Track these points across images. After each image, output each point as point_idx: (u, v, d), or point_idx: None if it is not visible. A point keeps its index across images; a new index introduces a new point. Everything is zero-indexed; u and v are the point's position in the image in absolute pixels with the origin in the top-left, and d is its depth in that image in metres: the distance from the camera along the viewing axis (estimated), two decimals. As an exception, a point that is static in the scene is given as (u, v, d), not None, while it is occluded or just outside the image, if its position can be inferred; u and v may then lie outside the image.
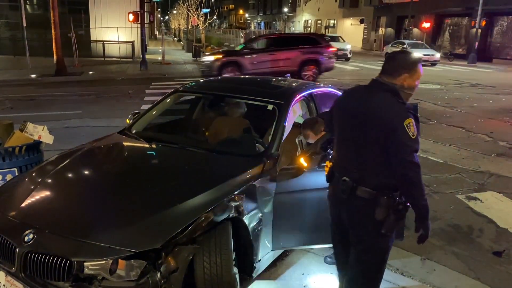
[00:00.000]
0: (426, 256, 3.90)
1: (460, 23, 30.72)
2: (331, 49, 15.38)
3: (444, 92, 14.34)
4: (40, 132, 3.61)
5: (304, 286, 3.36)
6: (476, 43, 26.16)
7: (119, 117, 8.44)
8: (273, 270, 3.53)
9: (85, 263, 2.31)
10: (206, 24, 28.09)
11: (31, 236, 2.44)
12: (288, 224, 3.26)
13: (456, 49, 30.34)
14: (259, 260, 3.11)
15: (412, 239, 4.11)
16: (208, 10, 28.63)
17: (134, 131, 3.91)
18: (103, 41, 22.54)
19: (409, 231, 4.27)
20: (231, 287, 2.64)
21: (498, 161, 6.87)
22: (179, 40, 46.79)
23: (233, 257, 2.79)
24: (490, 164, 6.69)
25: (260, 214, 3.02)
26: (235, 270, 2.81)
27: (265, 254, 3.20)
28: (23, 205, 2.72)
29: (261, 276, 3.39)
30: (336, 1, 47.97)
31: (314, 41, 15.35)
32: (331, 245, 3.73)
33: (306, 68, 14.43)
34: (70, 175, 3.17)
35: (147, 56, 19.92)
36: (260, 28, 58.04)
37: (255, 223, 2.96)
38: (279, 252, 3.58)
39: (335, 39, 28.54)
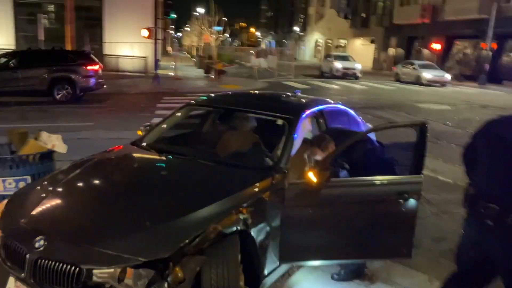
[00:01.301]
0: (434, 276, 3.86)
1: (471, 45, 30.76)
2: (91, 67, 13.60)
3: (453, 113, 14.31)
4: (54, 141, 3.68)
5: (311, 302, 3.34)
6: (487, 65, 26.15)
7: (130, 130, 8.50)
8: (279, 285, 3.52)
9: (94, 271, 2.34)
10: (218, 41, 28.39)
11: (41, 242, 2.47)
12: (296, 239, 3.25)
13: (466, 71, 30.32)
14: (266, 275, 3.10)
15: (420, 258, 4.12)
16: (220, 28, 28.99)
17: (145, 143, 3.97)
18: (117, 55, 22.93)
19: (418, 249, 4.26)
20: (238, 299, 2.65)
21: (508, 183, 6.78)
22: (191, 57, 47.39)
23: (240, 269, 2.79)
24: (500, 185, 6.61)
25: (268, 228, 3.03)
26: (242, 283, 2.82)
27: (272, 268, 3.20)
28: (34, 212, 2.76)
29: (267, 291, 3.38)
30: (347, 21, 48.41)
31: (69, 58, 13.76)
32: (338, 262, 3.75)
33: (59, 87, 13.03)
34: (81, 183, 3.21)
35: (159, 71, 20.21)
36: (271, 46, 58.61)
37: (262, 237, 2.97)
38: (286, 267, 3.58)
39: (345, 58, 28.78)
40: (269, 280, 3.21)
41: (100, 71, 14.04)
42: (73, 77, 13.15)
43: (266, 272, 3.08)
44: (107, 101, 13.49)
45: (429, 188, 6.08)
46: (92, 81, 13.57)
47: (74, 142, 7.22)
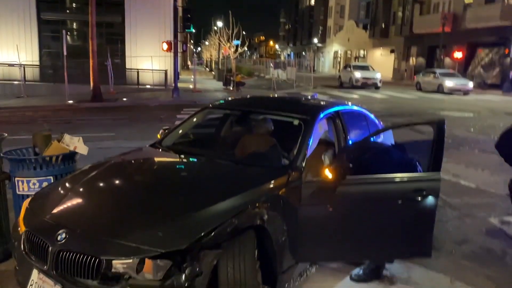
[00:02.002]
0: (456, 278, 3.78)
1: (494, 52, 30.28)
2: None
3: (476, 120, 14.07)
4: (75, 143, 3.78)
5: (329, 302, 3.32)
6: (511, 73, 25.66)
7: (151, 139, 8.63)
8: (297, 285, 3.50)
9: (113, 262, 2.39)
10: (237, 54, 28.70)
11: (63, 235, 2.55)
12: (314, 237, 3.25)
13: (489, 79, 29.82)
14: (283, 272, 3.10)
15: (441, 260, 4.05)
16: (239, 42, 29.34)
17: (164, 144, 4.05)
18: (138, 69, 23.42)
19: (439, 252, 4.19)
20: (254, 293, 2.66)
21: (533, 187, 6.61)
22: (211, 70, 48.01)
23: (257, 266, 2.80)
24: (525, 189, 6.45)
25: (285, 225, 3.04)
26: (259, 279, 2.82)
27: (290, 266, 3.20)
28: (56, 208, 2.85)
29: (285, 290, 3.37)
30: (366, 31, 48.31)
31: None
32: (357, 261, 3.72)
33: None
34: (101, 181, 3.29)
35: (179, 84, 20.52)
36: (290, 58, 59.00)
37: (279, 233, 2.98)
38: (304, 266, 3.56)
39: (364, 68, 28.65)
40: (286, 278, 3.21)
41: None
42: None
43: (283, 269, 3.07)
44: (128, 113, 13.68)
45: (451, 192, 5.99)
46: None
47: (95, 152, 7.38)
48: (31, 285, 2.63)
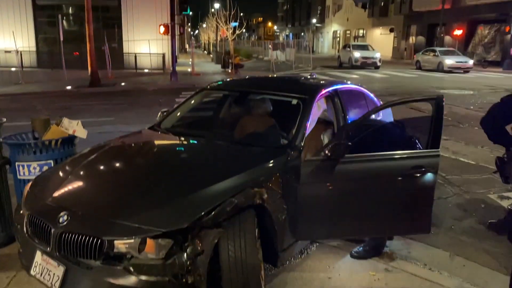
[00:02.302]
0: (455, 253, 3.82)
1: (494, 29, 30.00)
2: None
3: (477, 97, 14.03)
4: (74, 127, 3.79)
5: (329, 278, 3.36)
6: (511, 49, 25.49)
7: (150, 123, 8.64)
8: (298, 262, 3.55)
9: (115, 242, 2.42)
10: (235, 36, 28.43)
11: (65, 217, 2.57)
12: (314, 215, 3.27)
13: (490, 56, 29.60)
14: (284, 250, 3.13)
15: (441, 236, 4.09)
16: (236, 24, 29.03)
17: (163, 126, 4.06)
18: (135, 53, 23.26)
19: (438, 228, 4.23)
20: (255, 271, 2.69)
21: (533, 163, 6.63)
22: (209, 53, 47.69)
23: (258, 244, 2.83)
24: (525, 165, 6.47)
25: (284, 204, 3.06)
26: (260, 257, 2.86)
27: (290, 244, 3.23)
28: (57, 191, 2.87)
29: (286, 267, 3.42)
30: (365, 11, 47.80)
31: None
32: (357, 238, 3.76)
33: None
34: (101, 163, 3.31)
35: (177, 68, 20.38)
36: (289, 39, 58.55)
37: (279, 212, 3.00)
38: (305, 243, 3.60)
39: (364, 47, 28.43)
40: (287, 256, 3.25)
41: None
42: None
43: (284, 247, 3.11)
44: (127, 98, 13.68)
45: (450, 169, 6.02)
46: None
47: (95, 136, 7.39)
48: (35, 266, 2.66)
